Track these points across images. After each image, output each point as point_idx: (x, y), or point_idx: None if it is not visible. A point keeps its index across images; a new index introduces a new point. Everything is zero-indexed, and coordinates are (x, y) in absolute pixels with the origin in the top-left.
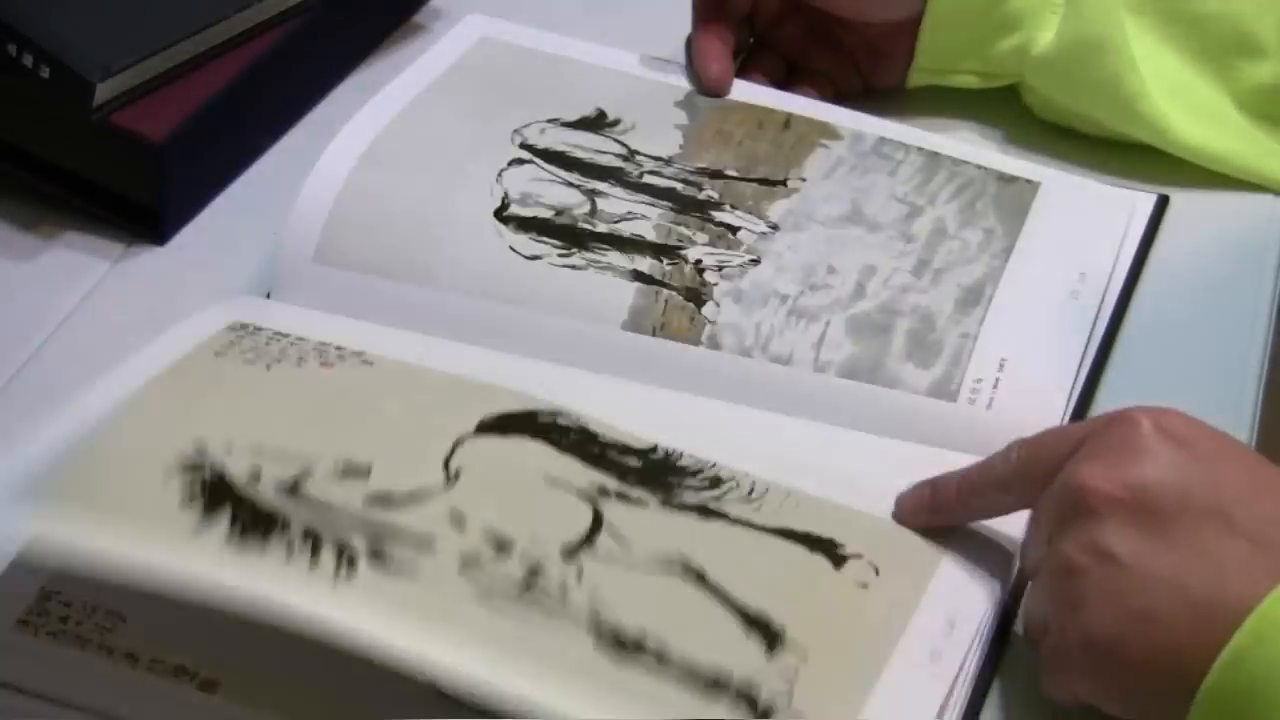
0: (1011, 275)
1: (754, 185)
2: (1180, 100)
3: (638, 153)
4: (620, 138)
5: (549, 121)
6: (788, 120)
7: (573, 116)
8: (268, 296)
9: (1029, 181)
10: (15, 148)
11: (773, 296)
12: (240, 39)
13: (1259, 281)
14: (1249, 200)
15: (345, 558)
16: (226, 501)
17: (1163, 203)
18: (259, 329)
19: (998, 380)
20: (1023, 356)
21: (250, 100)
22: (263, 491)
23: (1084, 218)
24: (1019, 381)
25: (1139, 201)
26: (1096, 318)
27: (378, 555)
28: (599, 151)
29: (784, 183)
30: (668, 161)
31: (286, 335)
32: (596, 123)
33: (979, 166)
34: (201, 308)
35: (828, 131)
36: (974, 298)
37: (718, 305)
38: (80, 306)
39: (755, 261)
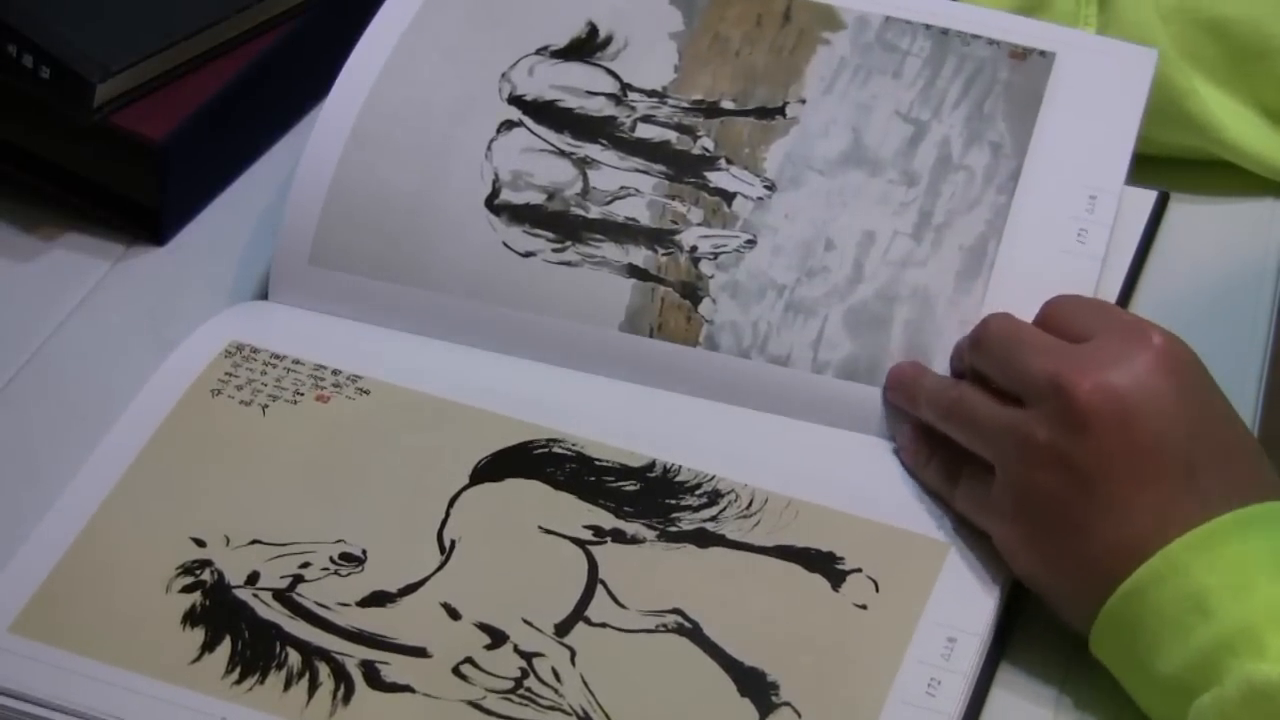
0: (1016, 221)
1: (750, 122)
2: (1218, 105)
3: (630, 87)
4: (611, 65)
5: (538, 53)
6: (788, 8)
7: (563, 39)
8: (265, 297)
9: (1043, 54)
10: (15, 148)
11: (770, 288)
12: (240, 39)
13: (1259, 284)
14: (1249, 203)
15: (342, 681)
16: (225, 630)
17: (1163, 200)
18: (255, 351)
19: None
20: None
21: (250, 100)
22: (260, 599)
23: (1098, 99)
24: None
25: (1140, 199)
26: (1103, 268)
27: (374, 672)
28: (590, 94)
29: (783, 110)
30: (662, 97)
31: (283, 358)
32: (587, 45)
33: (991, 41)
34: (202, 322)
35: (830, 20)
36: (975, 263)
37: (714, 302)
38: (80, 306)
39: (751, 242)
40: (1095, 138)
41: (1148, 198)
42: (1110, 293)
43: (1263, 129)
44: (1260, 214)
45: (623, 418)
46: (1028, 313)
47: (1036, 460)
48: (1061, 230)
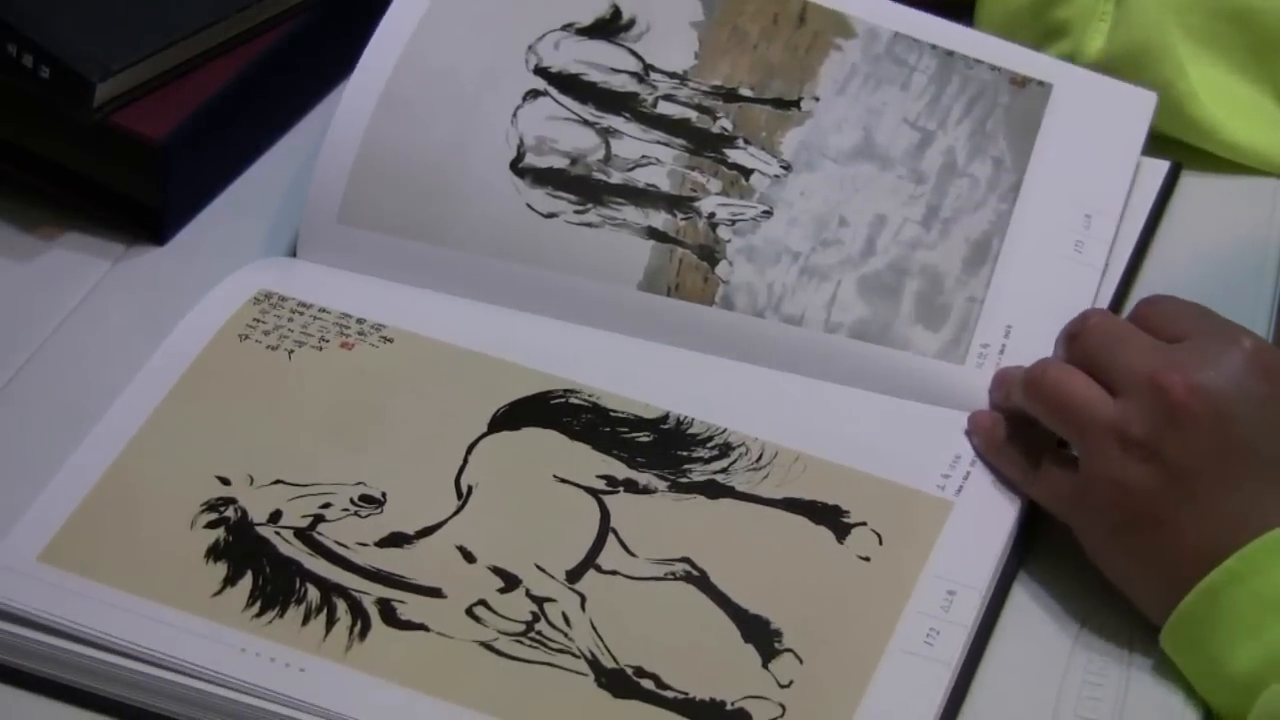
0: (1018, 225)
1: (768, 110)
2: (1227, 101)
3: (652, 68)
4: (634, 47)
5: (563, 29)
6: (803, 11)
7: (588, 18)
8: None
9: (1041, 84)
10: (15, 148)
11: (785, 254)
12: (240, 39)
13: (1260, 273)
14: (1252, 186)
15: (359, 617)
16: (247, 565)
17: (1175, 170)
18: (283, 299)
19: (1004, 346)
20: (1028, 326)
21: (250, 100)
22: (282, 536)
23: (1094, 130)
24: (1025, 349)
25: (1152, 169)
26: (1103, 278)
27: (390, 610)
28: (614, 70)
29: (798, 104)
30: (683, 80)
31: (310, 307)
32: (610, 25)
33: (993, 68)
34: (230, 272)
35: (843, 27)
36: (981, 254)
37: (730, 264)
38: (80, 306)
39: (768, 213)
40: (1092, 167)
41: (1160, 168)
42: (1118, 265)
43: (1278, 126)
44: (1263, 200)
45: (638, 372)
46: (1035, 298)
47: (1130, 454)
48: (1061, 240)
